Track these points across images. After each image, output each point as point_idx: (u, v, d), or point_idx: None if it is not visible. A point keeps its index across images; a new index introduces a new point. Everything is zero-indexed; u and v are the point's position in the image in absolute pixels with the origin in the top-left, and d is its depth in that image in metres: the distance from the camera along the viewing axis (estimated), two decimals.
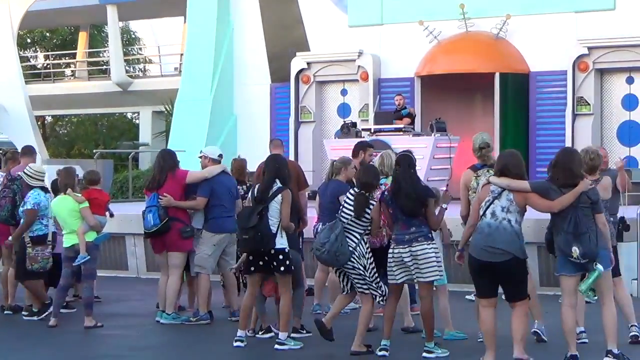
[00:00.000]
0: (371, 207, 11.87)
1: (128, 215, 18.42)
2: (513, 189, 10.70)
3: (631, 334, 12.20)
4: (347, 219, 11.93)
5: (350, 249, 11.74)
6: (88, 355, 12.66)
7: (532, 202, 10.76)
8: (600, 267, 10.71)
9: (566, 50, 25.20)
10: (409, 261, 11.56)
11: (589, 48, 25.05)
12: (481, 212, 10.84)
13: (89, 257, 13.90)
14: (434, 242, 11.73)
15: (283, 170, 12.62)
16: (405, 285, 12.43)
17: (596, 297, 11.61)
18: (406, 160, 11.93)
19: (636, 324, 12.32)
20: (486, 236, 10.72)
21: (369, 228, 11.93)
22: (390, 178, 12.84)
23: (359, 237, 11.85)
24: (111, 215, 14.67)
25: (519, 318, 10.79)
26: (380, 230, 12.15)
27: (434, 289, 12.26)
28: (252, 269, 12.44)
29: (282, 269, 12.32)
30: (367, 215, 11.89)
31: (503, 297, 10.93)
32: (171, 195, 14.11)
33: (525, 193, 10.70)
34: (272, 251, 12.26)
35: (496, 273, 10.77)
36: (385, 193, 11.92)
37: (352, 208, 11.93)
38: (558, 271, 10.96)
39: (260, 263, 12.34)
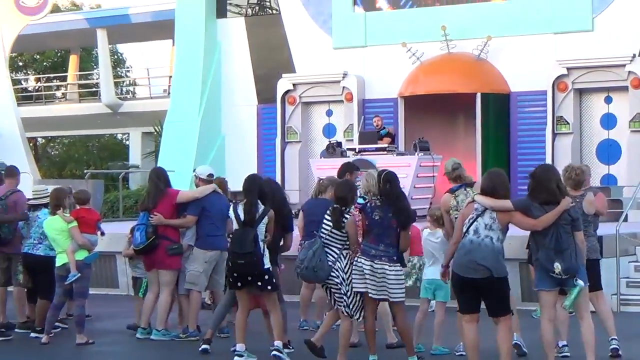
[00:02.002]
0: (345, 220, 11.86)
1: (118, 234, 18.36)
2: (496, 209, 10.68)
3: (611, 347, 12.19)
4: (325, 234, 11.90)
5: (330, 263, 11.72)
6: None
7: (515, 220, 10.74)
8: (581, 282, 10.72)
9: (546, 71, 25.27)
10: (368, 274, 11.54)
11: (568, 68, 25.12)
12: (464, 229, 10.83)
13: (79, 274, 13.86)
14: (397, 264, 11.67)
15: (263, 190, 12.63)
16: (386, 303, 12.39)
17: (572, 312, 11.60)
18: (395, 178, 11.93)
19: (616, 337, 12.31)
20: (468, 252, 10.69)
21: (347, 243, 11.91)
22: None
23: (338, 252, 11.81)
24: (102, 233, 14.55)
25: (503, 333, 10.76)
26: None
27: (432, 305, 12.30)
28: (239, 284, 12.42)
29: (269, 287, 12.32)
30: (345, 229, 11.89)
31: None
32: (162, 213, 14.10)
33: (508, 212, 10.72)
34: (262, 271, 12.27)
35: (478, 289, 10.76)
36: (368, 204, 11.86)
37: (330, 222, 11.92)
38: (537, 286, 10.95)
39: (249, 278, 12.31)
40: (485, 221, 10.71)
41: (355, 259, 11.71)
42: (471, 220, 10.76)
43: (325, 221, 11.97)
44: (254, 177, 13.07)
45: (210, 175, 14.66)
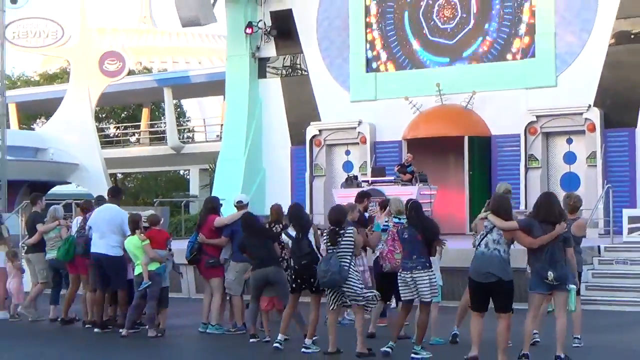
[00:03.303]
0: (348, 236, 11.85)
1: (181, 249, 18.37)
2: (504, 228, 10.74)
3: (574, 345, 12.09)
4: (331, 249, 11.87)
5: (346, 267, 11.72)
6: (162, 355, 12.69)
7: (517, 237, 10.87)
8: (572, 286, 10.82)
9: (519, 118, 25.21)
10: (410, 283, 11.60)
11: (537, 116, 25.06)
12: (477, 243, 10.89)
13: (149, 282, 13.89)
14: (431, 269, 11.74)
15: (304, 217, 12.78)
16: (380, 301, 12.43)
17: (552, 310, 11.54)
18: (419, 206, 12.01)
19: (579, 336, 12.28)
20: (481, 262, 10.77)
21: (353, 252, 11.90)
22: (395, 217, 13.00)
23: (349, 259, 11.82)
24: (170, 250, 14.53)
25: (503, 329, 10.81)
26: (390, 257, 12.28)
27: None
28: (294, 285, 12.41)
29: (313, 289, 12.31)
30: (345, 243, 11.83)
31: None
32: (205, 234, 14.23)
33: (513, 231, 10.78)
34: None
35: (488, 291, 10.79)
36: (400, 228, 12.02)
37: (328, 240, 11.94)
38: (532, 289, 10.95)
39: (299, 281, 12.30)
40: (494, 237, 10.80)
41: (399, 274, 11.79)
42: (482, 236, 10.86)
43: (327, 241, 11.99)
44: (298, 206, 13.19)
45: (239, 202, 14.66)
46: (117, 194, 15.86)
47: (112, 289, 14.80)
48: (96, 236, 14.67)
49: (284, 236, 12.75)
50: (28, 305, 16.60)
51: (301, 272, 12.28)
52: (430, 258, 12.20)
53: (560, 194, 22.59)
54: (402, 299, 11.89)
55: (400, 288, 11.82)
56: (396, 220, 13.04)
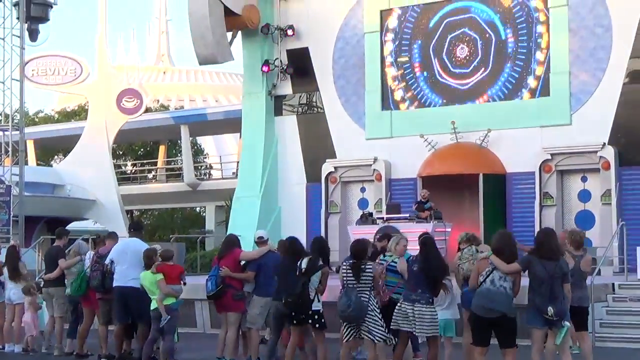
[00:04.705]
0: (369, 270, 11.93)
1: (196, 285, 18.47)
2: (507, 272, 10.81)
3: None
4: (352, 284, 11.96)
5: (365, 302, 11.81)
6: None
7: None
8: (567, 323, 10.82)
9: (534, 156, 25.27)
10: (411, 315, 11.64)
11: (552, 154, 25.12)
12: (481, 279, 10.94)
13: (169, 317, 13.98)
14: (432, 306, 11.80)
15: (326, 250, 12.81)
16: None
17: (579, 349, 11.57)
18: (431, 241, 12.11)
19: None
20: (486, 298, 10.81)
21: (372, 287, 11.97)
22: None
23: (368, 294, 11.91)
24: (184, 283, 14.65)
25: None
26: (384, 292, 12.31)
27: (442, 340, 12.34)
28: (295, 322, 12.50)
29: (317, 325, 12.40)
30: (365, 277, 11.90)
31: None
32: (228, 267, 14.29)
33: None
34: (310, 312, 12.34)
35: (492, 326, 10.86)
36: (411, 259, 12.11)
37: (351, 275, 11.99)
38: (530, 323, 11.00)
39: (302, 317, 12.40)
40: (500, 274, 10.85)
41: (399, 304, 11.81)
42: (488, 273, 10.88)
43: (348, 274, 12.06)
44: (321, 240, 13.27)
45: (260, 237, 14.90)
46: (139, 227, 16.11)
47: (134, 322, 14.84)
48: (119, 269, 14.81)
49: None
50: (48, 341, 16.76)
51: (289, 307, 12.40)
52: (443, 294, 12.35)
53: None
54: (394, 327, 11.88)
55: (397, 317, 11.82)
56: (382, 258, 13.19)
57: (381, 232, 15.63)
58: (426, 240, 12.10)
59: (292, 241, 13.79)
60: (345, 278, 12.06)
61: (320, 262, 12.57)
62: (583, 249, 12.55)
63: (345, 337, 12.08)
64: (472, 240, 12.75)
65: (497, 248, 11.03)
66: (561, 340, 10.85)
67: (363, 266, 11.96)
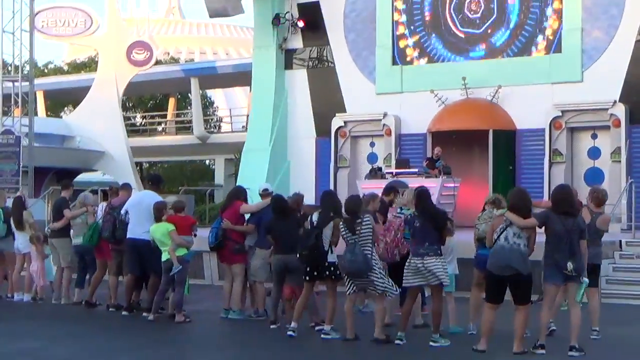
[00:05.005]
0: (366, 223, 11.98)
1: (205, 238, 18.56)
2: (524, 227, 10.86)
3: (592, 337, 12.15)
4: (353, 239, 12.00)
5: (369, 255, 11.87)
6: (184, 341, 12.84)
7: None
8: (586, 279, 10.92)
9: (544, 113, 25.23)
10: (422, 269, 11.69)
11: (562, 111, 25.07)
12: (495, 237, 10.99)
13: (180, 267, 14.07)
14: (441, 256, 11.85)
15: (336, 203, 12.85)
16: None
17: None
18: (425, 193, 12.12)
19: (597, 329, 12.31)
20: (501, 256, 10.88)
21: (373, 240, 12.05)
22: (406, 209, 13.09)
23: (371, 247, 11.97)
24: (195, 235, 14.70)
25: (521, 319, 10.98)
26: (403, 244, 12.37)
27: (444, 294, 12.40)
28: (307, 278, 12.58)
29: (332, 277, 12.46)
30: (365, 231, 11.94)
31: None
32: (229, 220, 14.36)
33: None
34: (326, 264, 12.40)
35: (506, 284, 10.93)
36: (409, 216, 12.12)
37: (345, 229, 12.08)
38: (548, 280, 11.08)
39: (315, 273, 12.46)
40: (514, 230, 10.91)
41: (408, 260, 11.88)
42: (502, 230, 10.94)
43: (345, 230, 12.10)
44: (330, 193, 13.30)
45: (265, 190, 14.94)
46: (157, 181, 16.09)
47: (147, 274, 14.92)
48: (133, 221, 14.87)
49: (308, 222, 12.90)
50: (58, 291, 16.89)
51: (305, 261, 12.50)
52: (447, 247, 12.39)
53: (584, 189, 22.84)
54: (406, 284, 11.94)
55: (407, 274, 11.87)
56: (399, 211, 13.20)
57: (387, 186, 15.61)
58: (421, 193, 12.12)
59: (276, 199, 13.88)
60: (344, 235, 12.12)
61: (332, 214, 12.61)
62: (602, 208, 12.59)
63: (348, 290, 12.15)
64: (497, 203, 12.69)
65: (513, 204, 11.09)
66: (580, 296, 10.97)
67: (359, 220, 11.99)
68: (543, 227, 11.08)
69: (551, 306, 11.25)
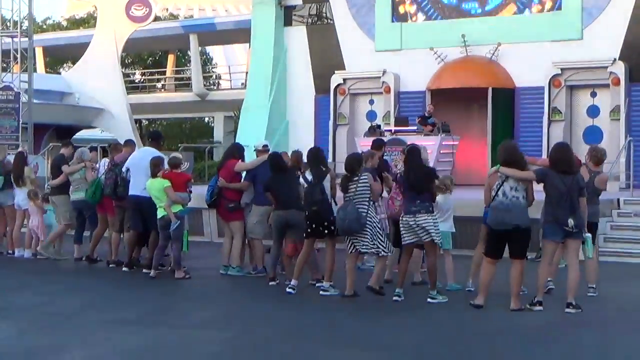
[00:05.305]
0: (363, 181, 11.99)
1: (204, 195, 18.61)
2: (521, 179, 10.92)
3: (588, 294, 12.24)
4: (350, 196, 12.04)
5: (364, 213, 11.88)
6: (183, 296, 12.93)
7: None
8: (589, 234, 11.00)
9: (544, 71, 25.22)
10: (414, 226, 11.72)
11: (562, 69, 25.07)
12: (493, 193, 11.05)
13: (178, 222, 14.10)
14: (433, 213, 11.87)
15: (321, 159, 12.88)
16: (417, 250, 12.56)
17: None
18: (415, 151, 12.13)
19: (594, 286, 12.39)
20: (500, 212, 10.94)
21: (370, 198, 12.04)
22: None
23: (367, 205, 11.97)
24: (190, 192, 14.68)
25: (517, 273, 11.07)
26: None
27: (441, 252, 12.46)
28: (309, 234, 12.61)
29: (331, 234, 12.51)
30: (359, 189, 11.96)
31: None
32: (224, 179, 14.42)
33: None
34: (331, 219, 12.44)
35: (506, 238, 11.01)
36: (399, 175, 12.15)
37: (342, 186, 12.14)
38: (547, 237, 11.14)
39: (320, 229, 12.48)
40: (511, 184, 10.96)
41: (401, 217, 11.89)
42: (499, 186, 10.99)
43: (342, 186, 12.15)
44: (314, 150, 13.29)
45: (265, 146, 14.98)
46: (157, 137, 16.10)
47: (149, 230, 14.95)
48: (135, 179, 14.89)
49: (301, 181, 12.95)
50: (46, 246, 16.93)
51: (311, 218, 12.50)
52: (445, 205, 12.46)
53: (583, 147, 22.92)
54: (404, 242, 11.99)
55: (402, 232, 11.93)
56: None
57: (376, 140, 15.63)
58: (411, 150, 12.14)
59: (273, 155, 13.90)
60: (342, 192, 12.18)
61: (323, 168, 12.66)
62: (601, 167, 12.63)
63: (349, 249, 12.21)
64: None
65: (506, 159, 11.11)
66: (589, 251, 11.06)
67: (356, 178, 12.01)
68: (542, 185, 11.13)
69: (550, 263, 11.31)
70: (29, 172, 17.66)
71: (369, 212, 11.97)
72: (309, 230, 12.59)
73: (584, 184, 11.22)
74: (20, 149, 19.22)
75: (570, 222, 10.83)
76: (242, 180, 14.73)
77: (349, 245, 12.17)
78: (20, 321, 10.64)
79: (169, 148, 48.48)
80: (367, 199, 12.00)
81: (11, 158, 18.41)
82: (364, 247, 12.02)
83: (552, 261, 11.43)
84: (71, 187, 16.48)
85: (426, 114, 24.54)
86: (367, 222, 11.89)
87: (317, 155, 12.98)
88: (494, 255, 11.23)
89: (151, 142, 15.78)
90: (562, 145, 11.76)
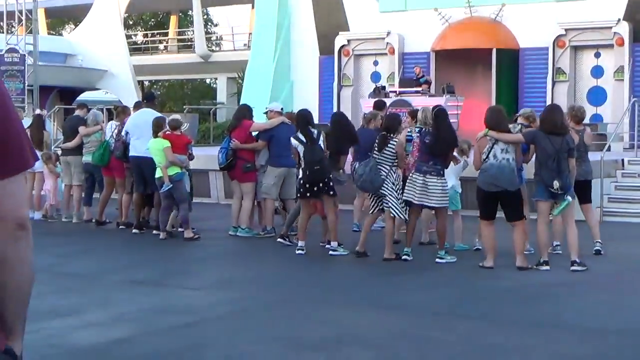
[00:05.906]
0: (392, 144, 12.07)
1: (210, 156, 18.67)
2: (511, 141, 11.06)
3: (595, 248, 12.41)
4: (377, 154, 12.19)
5: (382, 177, 11.99)
6: (194, 258, 13.00)
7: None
8: (569, 198, 11.04)
9: (548, 31, 25.22)
10: (420, 185, 11.80)
11: (566, 29, 25.08)
12: (484, 156, 11.17)
13: (171, 185, 14.14)
14: (443, 177, 11.97)
15: (311, 119, 13.03)
16: (427, 210, 12.64)
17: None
18: (444, 113, 12.21)
19: (600, 240, 12.54)
20: (489, 173, 11.07)
21: (396, 162, 12.15)
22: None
23: (388, 168, 12.08)
24: (190, 156, 14.68)
25: (518, 234, 11.17)
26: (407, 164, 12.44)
27: (450, 213, 12.58)
28: (308, 194, 12.73)
29: (330, 192, 12.63)
30: (388, 151, 12.10)
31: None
32: (238, 139, 14.48)
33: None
34: (326, 180, 12.56)
35: (496, 199, 11.13)
36: (423, 131, 12.10)
37: (376, 146, 12.19)
38: (535, 197, 11.29)
39: (315, 189, 12.59)
40: (501, 147, 11.07)
41: (410, 174, 11.99)
42: (489, 149, 11.10)
43: (379, 143, 12.26)
44: (302, 112, 13.34)
45: (282, 109, 15.06)
46: (151, 97, 16.22)
47: (151, 191, 15.07)
48: (135, 140, 14.97)
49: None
50: (73, 213, 17.06)
51: (314, 177, 12.56)
52: (460, 166, 12.58)
53: (587, 108, 23.03)
54: (405, 198, 12.00)
55: (407, 188, 12.01)
56: (418, 129, 13.25)
57: (377, 104, 15.72)
58: (438, 113, 12.17)
59: (302, 113, 13.85)
60: (374, 149, 12.24)
61: (314, 131, 12.80)
62: (583, 124, 12.67)
63: (371, 208, 12.33)
64: (531, 119, 12.63)
65: (492, 124, 11.25)
66: (559, 211, 11.15)
67: (389, 139, 12.12)
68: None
69: (547, 222, 11.39)
70: (47, 136, 17.72)
71: (390, 174, 12.05)
72: (303, 190, 12.63)
73: (574, 145, 11.27)
74: (38, 111, 19.19)
75: (556, 183, 10.90)
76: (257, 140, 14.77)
77: (372, 203, 12.31)
78: (38, 282, 10.74)
79: (171, 110, 48.64)
80: (391, 162, 12.07)
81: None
82: (388, 204, 12.11)
83: (548, 219, 11.46)
84: (84, 148, 16.56)
85: (417, 76, 24.62)
86: (386, 183, 11.98)
87: (305, 118, 13.08)
88: (488, 217, 11.37)
89: (147, 103, 15.86)
90: (550, 106, 11.92)
